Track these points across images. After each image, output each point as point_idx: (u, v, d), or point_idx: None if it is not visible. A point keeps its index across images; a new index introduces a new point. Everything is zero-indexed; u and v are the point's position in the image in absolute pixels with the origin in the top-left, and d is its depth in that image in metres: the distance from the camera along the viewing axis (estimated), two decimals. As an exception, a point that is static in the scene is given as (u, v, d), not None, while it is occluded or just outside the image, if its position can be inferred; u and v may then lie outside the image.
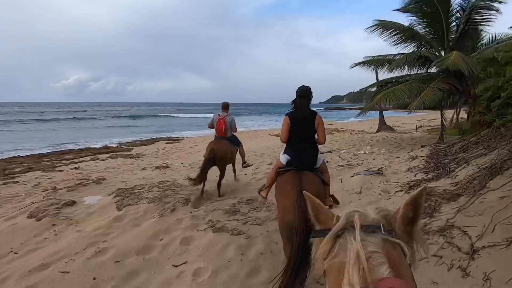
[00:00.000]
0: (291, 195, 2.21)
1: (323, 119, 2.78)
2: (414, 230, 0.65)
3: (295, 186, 2.28)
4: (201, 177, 4.69)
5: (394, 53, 10.31)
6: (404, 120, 33.71)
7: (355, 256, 0.53)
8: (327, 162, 4.25)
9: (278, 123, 33.94)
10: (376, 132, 16.11)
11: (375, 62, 10.41)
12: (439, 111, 9.53)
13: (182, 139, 17.41)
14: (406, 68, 9.28)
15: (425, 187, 0.70)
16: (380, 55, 10.81)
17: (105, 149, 12.92)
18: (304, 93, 2.68)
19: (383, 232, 0.60)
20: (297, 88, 2.74)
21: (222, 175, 5.08)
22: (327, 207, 1.71)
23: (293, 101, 2.74)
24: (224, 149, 5.01)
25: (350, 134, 15.62)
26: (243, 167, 5.96)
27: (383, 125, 16.41)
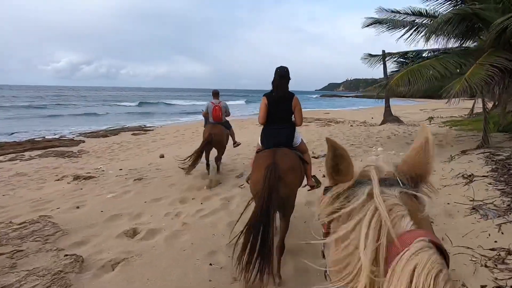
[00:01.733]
0: (262, 167, 2.17)
1: (302, 105, 2.81)
2: (426, 181, 0.63)
3: (267, 159, 2.23)
4: (195, 162, 5.02)
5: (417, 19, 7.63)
6: (406, 110, 31.41)
7: (374, 210, 0.52)
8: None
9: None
10: (380, 124, 13.71)
11: (393, 24, 7.64)
12: (444, 100, 7.24)
13: (152, 129, 14.79)
14: (440, 39, 6.59)
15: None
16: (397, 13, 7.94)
17: (44, 143, 10.28)
18: (285, 73, 2.65)
19: (400, 184, 0.58)
20: (276, 68, 2.70)
21: (222, 153, 5.58)
22: (309, 187, 2.76)
23: (273, 82, 2.68)
24: (221, 133, 5.30)
25: (351, 126, 13.17)
26: (234, 147, 6.12)
27: (389, 116, 13.96)
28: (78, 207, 3.94)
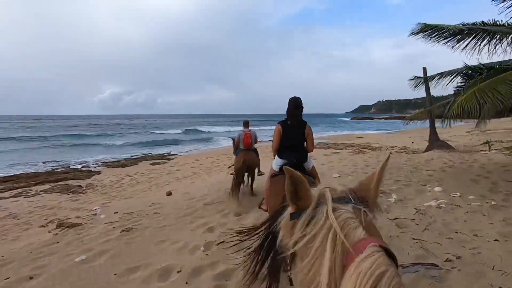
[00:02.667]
0: (281, 193, 1.84)
1: (312, 130, 2.97)
2: (376, 198, 0.75)
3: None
4: (238, 187, 5.47)
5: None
6: (450, 132, 28.27)
7: (329, 226, 0.60)
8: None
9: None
10: (425, 151, 11.80)
11: (453, 32, 5.94)
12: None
13: (173, 159, 14.19)
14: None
15: (387, 160, 0.81)
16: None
17: (59, 175, 9.92)
18: (299, 103, 2.79)
19: (352, 201, 0.69)
20: (290, 99, 2.82)
21: (253, 178, 6.08)
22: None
23: (287, 111, 2.82)
24: (253, 159, 5.74)
25: (391, 154, 11.44)
26: (258, 175, 6.17)
27: (435, 141, 12.02)
28: (31, 278, 2.96)
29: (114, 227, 4.41)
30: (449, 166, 7.53)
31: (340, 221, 0.61)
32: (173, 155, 16.39)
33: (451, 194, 4.74)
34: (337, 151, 12.90)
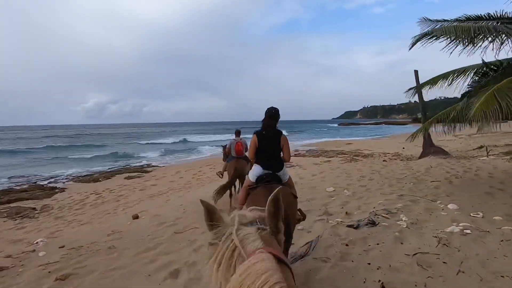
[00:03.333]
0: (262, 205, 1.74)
1: (289, 140, 2.99)
2: (278, 222, 0.84)
3: (267, 197, 1.44)
4: (224, 190, 5.78)
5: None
6: (438, 137, 28.28)
7: (231, 241, 0.70)
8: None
9: (295, 141, 29.60)
10: (420, 157, 11.20)
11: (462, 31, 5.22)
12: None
13: (151, 171, 13.03)
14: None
15: (280, 187, 0.88)
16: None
17: (14, 194, 8.64)
18: (273, 114, 2.80)
19: (258, 224, 0.79)
20: (267, 109, 2.84)
21: (242, 183, 5.47)
22: (297, 220, 2.81)
23: (263, 121, 2.82)
24: (244, 166, 5.93)
25: (384, 161, 10.74)
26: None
27: (430, 146, 11.44)
28: None
29: (49, 272, 3.35)
30: (453, 175, 6.82)
31: (240, 237, 0.70)
32: (153, 166, 15.22)
33: (471, 214, 3.95)
34: (328, 159, 12.14)
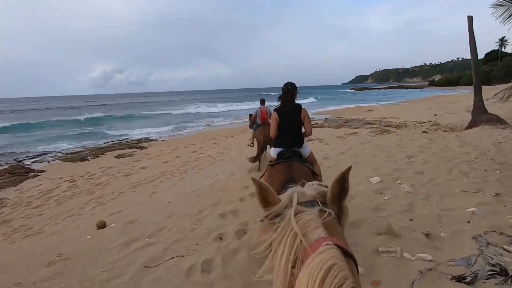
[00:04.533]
0: (280, 184, 2.07)
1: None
2: (342, 203, 0.80)
3: (284, 175, 2.18)
4: (258, 156, 6.23)
5: None
6: (460, 101, 25.30)
7: (291, 227, 0.65)
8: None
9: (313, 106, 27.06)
10: (468, 127, 9.10)
11: None
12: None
13: (146, 147, 11.37)
14: None
15: (350, 166, 0.82)
16: None
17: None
18: (289, 89, 2.78)
19: (319, 204, 0.74)
20: (283, 85, 2.85)
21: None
22: None
23: (279, 98, 2.86)
24: None
25: (425, 133, 8.70)
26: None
27: (482, 113, 9.24)
28: None
29: None
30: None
31: (301, 223, 0.65)
32: (152, 140, 13.59)
33: None
34: (353, 130, 10.15)
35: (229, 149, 9.14)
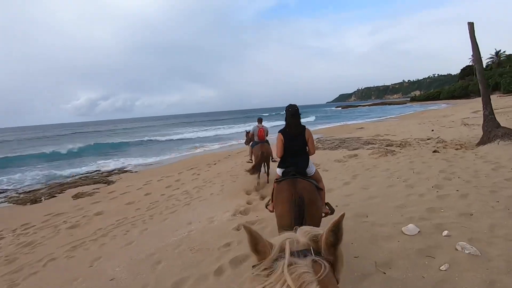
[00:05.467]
0: (287, 201, 2.26)
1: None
2: (337, 250, 0.75)
3: (290, 191, 2.31)
4: (257, 170, 6.51)
5: None
6: (448, 115, 25.01)
7: (283, 281, 0.61)
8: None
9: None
10: (480, 143, 8.04)
11: None
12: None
13: (114, 181, 9.71)
14: None
15: (344, 214, 0.79)
16: None
17: None
18: (295, 112, 2.85)
19: (312, 254, 0.69)
20: (286, 107, 2.90)
21: (268, 166, 7.09)
22: (323, 214, 2.63)
23: (286, 119, 2.89)
24: (268, 149, 6.79)
25: (436, 152, 7.54)
26: (273, 161, 7.05)
27: (495, 128, 8.22)
28: None
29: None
30: None
31: (294, 277, 0.62)
32: (125, 171, 11.92)
33: None
34: (352, 152, 8.92)
35: (210, 181, 7.67)
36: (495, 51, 75.25)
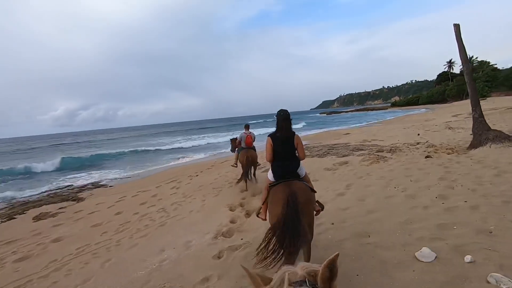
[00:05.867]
0: (281, 202, 2.32)
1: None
2: (333, 285, 0.81)
3: (286, 192, 2.37)
4: (245, 176, 6.74)
5: None
6: (429, 119, 25.41)
7: None
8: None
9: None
10: (471, 147, 7.79)
11: None
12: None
13: (84, 198, 8.77)
14: None
15: (338, 253, 0.83)
16: None
17: None
18: (287, 115, 2.87)
19: (308, 285, 0.76)
20: (278, 112, 2.89)
21: (255, 169, 7.43)
22: (315, 212, 2.82)
23: (277, 123, 2.86)
24: (254, 155, 6.95)
25: (428, 157, 7.18)
26: (257, 166, 7.57)
27: (484, 130, 8.00)
28: None
29: None
30: None
31: None
32: (99, 186, 10.94)
33: None
34: (342, 159, 8.46)
35: (190, 195, 6.95)
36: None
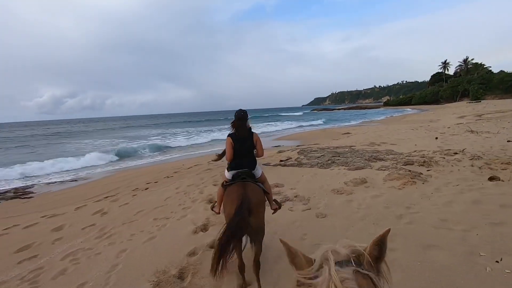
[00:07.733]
0: (236, 202, 2.38)
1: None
2: (381, 265, 0.73)
3: (239, 193, 2.45)
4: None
5: None
6: (434, 119, 23.15)
7: (332, 284, 0.61)
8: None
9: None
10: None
11: None
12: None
13: (31, 196, 5.84)
14: None
15: (389, 229, 0.75)
16: None
17: None
18: (242, 116, 2.93)
19: (353, 265, 0.68)
20: (235, 112, 2.98)
21: None
22: (273, 211, 3.07)
23: (232, 123, 2.95)
24: None
25: (493, 179, 4.62)
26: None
27: None
28: None
29: None
30: None
31: (340, 279, 0.63)
32: (24, 192, 7.98)
33: None
34: (357, 174, 5.81)
35: (110, 235, 4.12)
36: (463, 58, 77.84)
